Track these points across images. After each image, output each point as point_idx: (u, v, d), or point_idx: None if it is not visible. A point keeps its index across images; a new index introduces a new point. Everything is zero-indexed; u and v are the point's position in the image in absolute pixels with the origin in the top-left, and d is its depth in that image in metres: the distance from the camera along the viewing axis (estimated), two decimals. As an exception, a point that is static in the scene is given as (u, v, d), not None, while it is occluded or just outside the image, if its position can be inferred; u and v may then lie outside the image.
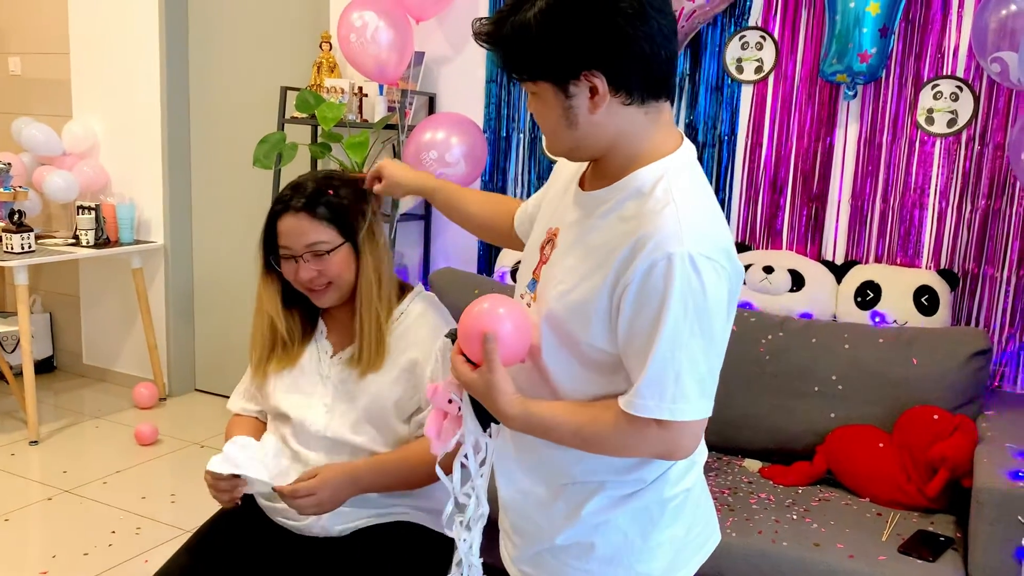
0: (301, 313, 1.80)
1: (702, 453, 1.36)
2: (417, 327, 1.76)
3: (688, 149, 1.23)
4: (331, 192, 1.71)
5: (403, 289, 1.83)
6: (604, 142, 1.19)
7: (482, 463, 1.30)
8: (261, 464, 1.63)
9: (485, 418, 1.26)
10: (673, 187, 1.16)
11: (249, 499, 1.79)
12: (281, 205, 1.71)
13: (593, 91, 1.14)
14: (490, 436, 1.29)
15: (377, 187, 1.75)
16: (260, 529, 1.77)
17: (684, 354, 1.11)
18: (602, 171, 1.23)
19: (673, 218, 1.12)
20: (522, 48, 1.15)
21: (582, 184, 1.28)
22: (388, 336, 1.73)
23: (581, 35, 1.11)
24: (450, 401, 1.28)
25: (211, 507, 1.83)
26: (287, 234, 1.70)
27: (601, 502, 1.27)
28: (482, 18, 1.21)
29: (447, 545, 1.79)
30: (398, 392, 1.73)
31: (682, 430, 1.16)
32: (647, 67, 1.15)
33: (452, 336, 1.27)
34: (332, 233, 1.70)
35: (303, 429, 1.74)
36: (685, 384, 1.12)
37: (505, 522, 1.42)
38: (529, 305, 1.28)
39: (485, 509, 1.33)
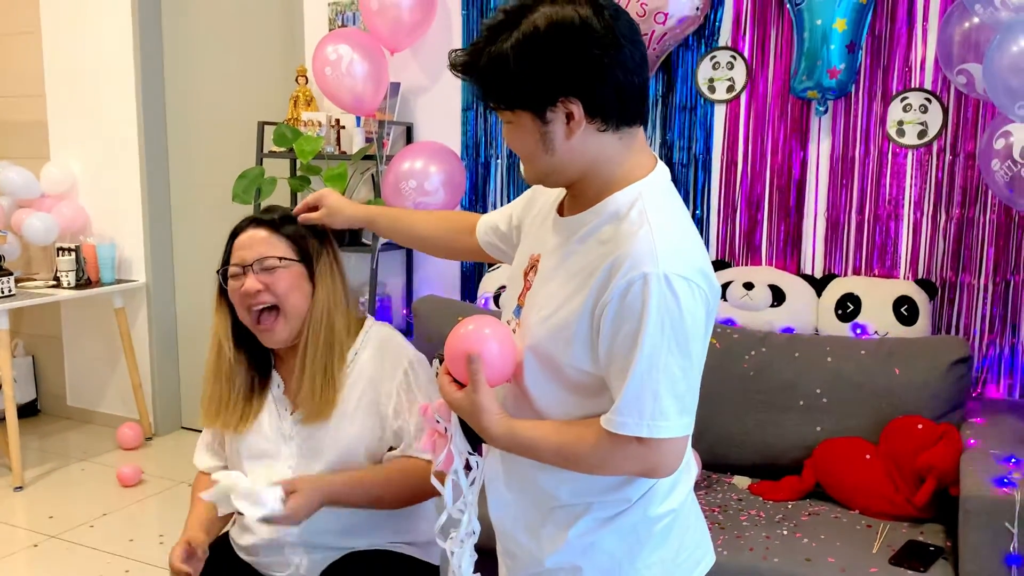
0: (251, 360, 1.72)
1: (690, 473, 1.35)
2: (374, 366, 1.70)
3: (662, 172, 1.25)
4: (289, 216, 1.71)
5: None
6: (579, 167, 1.20)
7: (472, 482, 1.32)
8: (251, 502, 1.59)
9: (475, 438, 1.28)
10: (648, 208, 1.18)
11: (226, 544, 1.78)
12: (240, 226, 1.70)
13: (569, 117, 1.16)
14: (480, 455, 1.31)
15: (314, 216, 1.69)
16: (238, 572, 1.75)
17: (662, 373, 1.13)
18: (579, 197, 1.25)
19: (647, 239, 1.14)
20: (500, 78, 1.16)
21: (560, 211, 1.30)
22: (340, 382, 1.65)
23: (557, 64, 1.14)
24: (437, 421, 1.30)
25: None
26: (242, 247, 1.65)
27: (587, 524, 1.27)
28: (458, 49, 1.22)
29: (431, 573, 1.79)
30: (367, 438, 1.68)
31: (663, 447, 1.16)
32: (621, 94, 1.17)
33: (441, 358, 1.29)
34: (288, 250, 1.66)
35: None
36: (663, 402, 1.13)
37: (499, 546, 1.43)
38: (515, 331, 1.29)
39: (476, 527, 1.34)
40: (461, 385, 1.24)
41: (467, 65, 1.20)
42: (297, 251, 1.67)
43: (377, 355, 1.71)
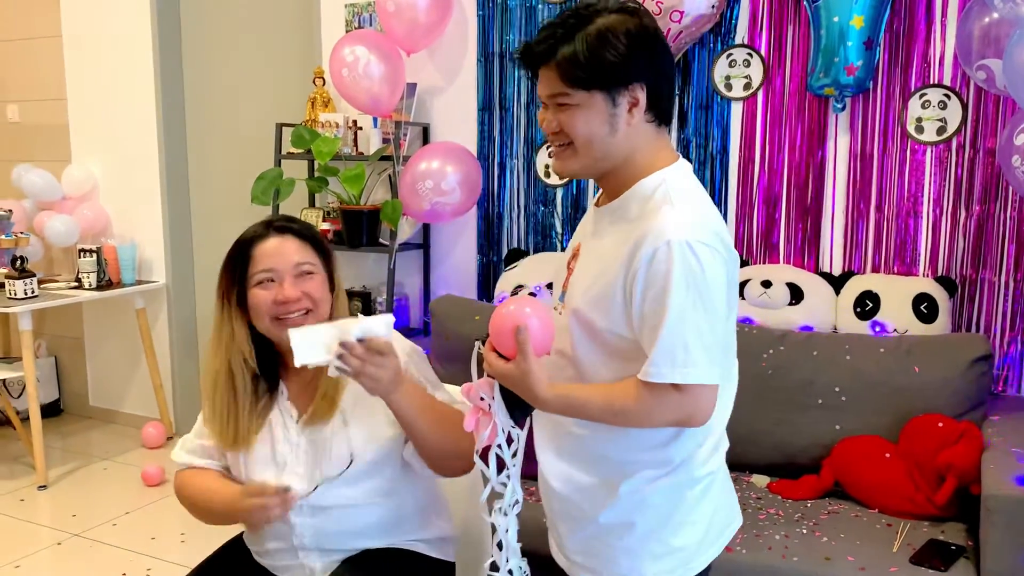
0: (261, 370, 1.70)
1: (724, 441, 1.49)
2: None
3: (684, 163, 1.42)
4: (298, 220, 1.72)
5: None
6: (624, 153, 1.36)
7: (514, 454, 1.41)
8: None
9: (515, 412, 1.38)
10: (671, 190, 1.34)
11: (240, 545, 1.79)
12: (256, 234, 1.66)
13: (634, 103, 1.33)
14: (520, 428, 1.40)
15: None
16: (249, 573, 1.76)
17: (689, 326, 1.26)
18: (611, 187, 1.41)
19: (670, 213, 1.30)
20: (583, 59, 1.30)
21: (597, 203, 1.47)
22: (342, 382, 1.64)
23: (635, 52, 1.31)
24: (481, 399, 1.38)
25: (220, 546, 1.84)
26: (271, 255, 1.64)
27: (637, 482, 1.39)
28: (528, 43, 1.37)
29: (447, 572, 1.79)
30: (370, 434, 1.66)
31: (695, 394, 1.29)
32: (671, 88, 1.37)
33: (484, 339, 1.38)
34: (315, 258, 1.67)
35: None
36: (693, 352, 1.27)
37: (549, 512, 1.53)
38: (560, 314, 1.43)
39: (520, 495, 1.43)
40: (506, 360, 1.33)
41: (545, 52, 1.33)
42: (323, 258, 1.69)
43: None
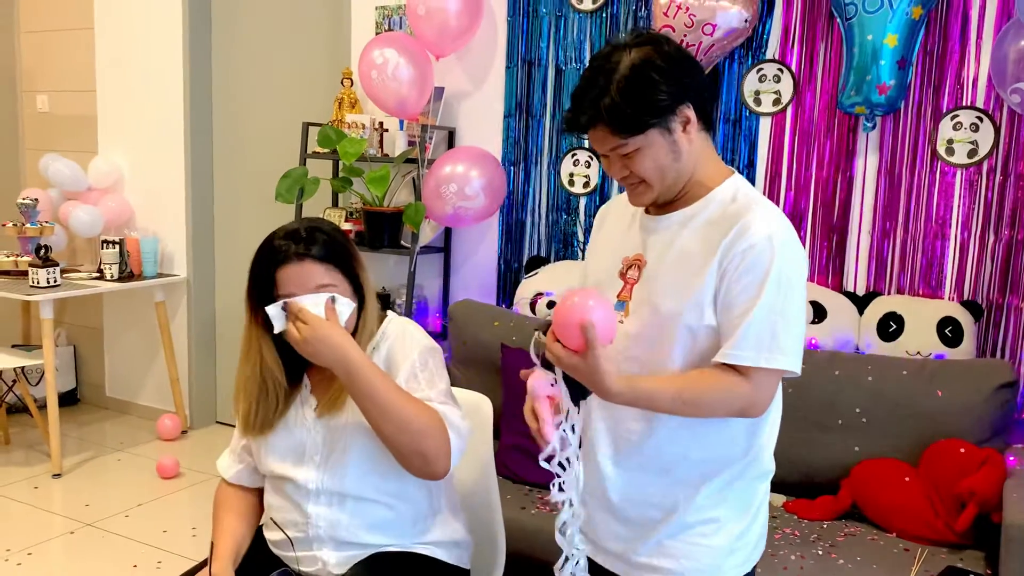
0: (287, 367, 1.73)
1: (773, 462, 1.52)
2: (389, 357, 1.71)
3: (738, 173, 1.49)
4: (326, 232, 1.68)
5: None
6: (691, 170, 1.41)
7: (573, 431, 1.42)
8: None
9: (575, 396, 1.39)
10: (750, 195, 1.42)
11: (259, 536, 1.80)
12: (279, 256, 1.64)
13: (686, 122, 1.38)
14: (578, 411, 1.40)
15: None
16: (269, 565, 1.77)
17: (779, 316, 1.33)
18: (677, 199, 1.45)
19: (761, 213, 1.37)
20: (629, 106, 1.34)
21: (649, 213, 1.49)
22: None
23: (673, 77, 1.35)
24: (553, 384, 1.39)
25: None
26: (293, 280, 1.63)
27: (719, 479, 1.44)
28: (567, 112, 1.40)
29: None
30: None
31: (766, 384, 1.35)
32: (711, 94, 1.44)
33: (543, 328, 1.38)
34: (336, 274, 1.66)
35: (302, 488, 1.71)
36: (781, 338, 1.33)
37: (604, 523, 1.52)
38: (622, 322, 1.44)
39: (580, 472, 1.42)
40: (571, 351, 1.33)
41: (592, 116, 1.36)
42: (342, 272, 1.67)
43: (392, 347, 1.73)
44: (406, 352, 1.71)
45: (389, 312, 1.81)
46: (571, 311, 1.33)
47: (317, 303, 1.60)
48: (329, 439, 1.70)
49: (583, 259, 2.92)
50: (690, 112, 1.37)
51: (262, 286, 1.67)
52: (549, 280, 3.15)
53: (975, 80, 2.67)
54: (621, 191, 1.78)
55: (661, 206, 1.47)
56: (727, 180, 1.44)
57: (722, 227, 1.38)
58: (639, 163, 1.38)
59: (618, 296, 1.48)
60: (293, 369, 1.74)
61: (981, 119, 2.67)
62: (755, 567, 1.52)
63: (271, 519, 1.79)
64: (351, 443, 1.68)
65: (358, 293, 1.70)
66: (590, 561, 1.54)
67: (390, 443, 1.62)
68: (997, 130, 2.65)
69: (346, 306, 1.64)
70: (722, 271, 1.36)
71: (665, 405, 1.36)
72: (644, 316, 1.43)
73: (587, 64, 1.41)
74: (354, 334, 1.68)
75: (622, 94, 1.33)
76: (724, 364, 1.35)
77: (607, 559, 1.55)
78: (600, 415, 1.51)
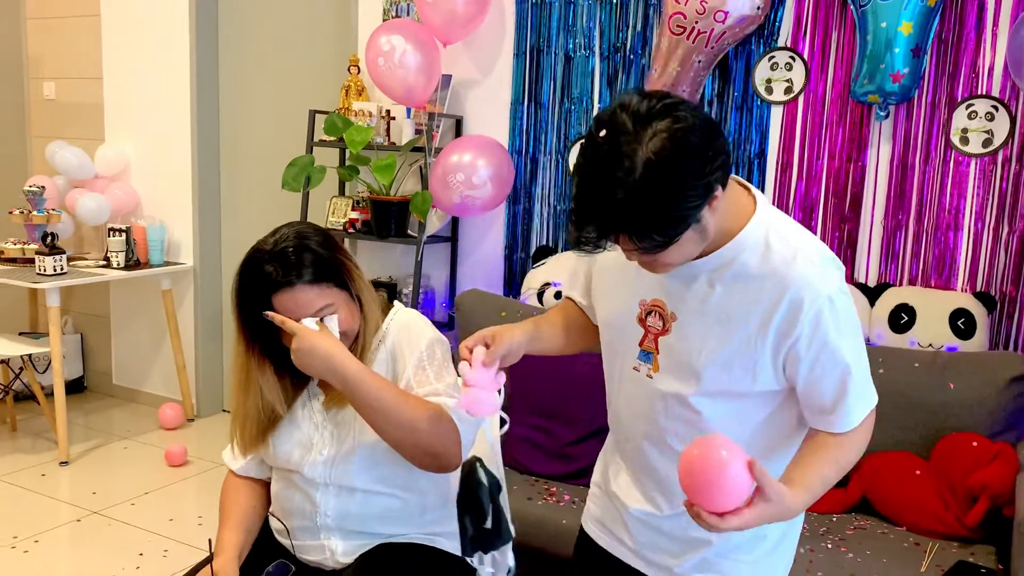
0: (291, 373, 1.69)
1: None
2: (395, 349, 1.69)
3: (762, 197, 1.33)
4: (313, 249, 1.61)
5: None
6: (714, 230, 1.24)
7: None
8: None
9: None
10: (782, 233, 1.28)
11: (265, 525, 1.79)
12: (270, 284, 1.58)
13: (712, 200, 1.17)
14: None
15: (487, 354, 1.41)
16: (274, 554, 1.76)
17: (863, 369, 1.31)
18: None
19: (808, 264, 1.25)
20: (658, 225, 1.14)
21: None
22: (368, 359, 1.66)
23: (695, 167, 1.13)
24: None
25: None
26: (291, 308, 1.58)
27: None
28: (576, 225, 1.16)
29: (467, 570, 1.77)
30: None
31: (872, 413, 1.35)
32: (729, 155, 1.21)
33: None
34: (332, 291, 1.61)
35: (310, 480, 1.69)
36: (869, 379, 1.33)
37: (655, 537, 1.47)
38: (650, 377, 1.37)
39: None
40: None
41: (614, 232, 1.15)
42: (336, 286, 1.63)
43: (398, 340, 1.70)
44: (413, 344, 1.69)
45: (396, 303, 1.79)
46: (711, 463, 1.13)
47: (308, 323, 1.57)
48: (337, 433, 1.68)
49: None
50: (718, 191, 1.17)
51: (254, 309, 1.61)
52: (557, 270, 3.13)
53: (991, 68, 2.63)
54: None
55: None
56: (752, 220, 1.27)
57: (766, 291, 1.25)
58: (671, 258, 1.23)
59: (641, 345, 1.38)
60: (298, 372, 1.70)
61: (997, 108, 2.63)
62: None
63: (272, 512, 1.78)
64: (359, 437, 1.66)
65: (356, 298, 1.66)
66: (620, 562, 1.52)
67: (398, 446, 1.59)
68: (1013, 119, 2.61)
69: (335, 323, 1.59)
70: (788, 344, 1.26)
71: (832, 481, 1.31)
72: (679, 377, 1.34)
73: (586, 154, 1.14)
74: (356, 337, 1.66)
75: (645, 208, 1.11)
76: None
77: (645, 566, 1.50)
78: (643, 447, 1.43)
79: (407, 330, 1.71)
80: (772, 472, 1.21)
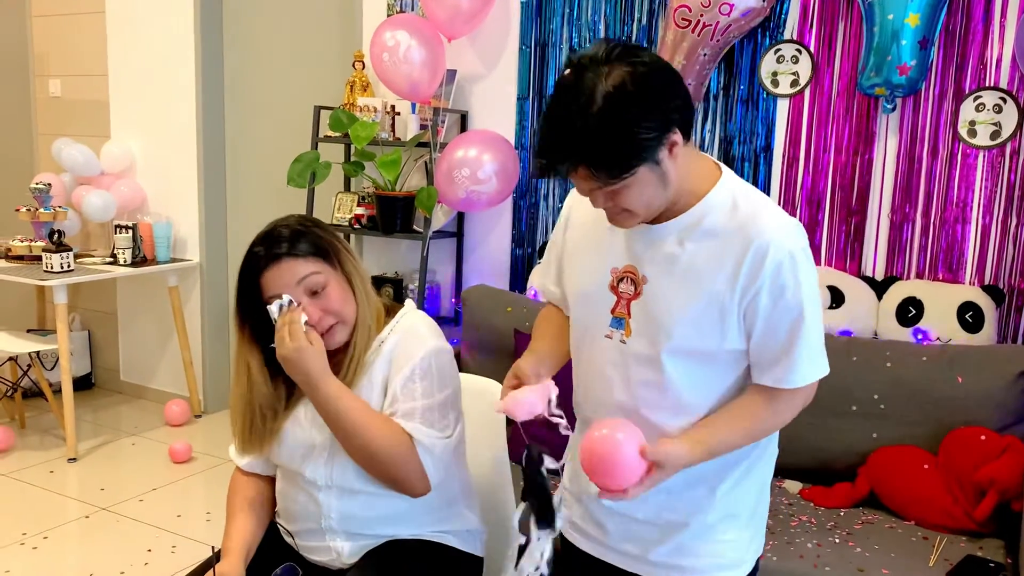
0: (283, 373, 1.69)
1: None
2: (394, 353, 1.67)
3: (729, 170, 1.39)
4: (306, 229, 1.64)
5: (388, 311, 1.75)
6: (678, 185, 1.30)
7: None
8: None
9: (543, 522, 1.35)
10: (748, 194, 1.34)
11: (272, 523, 1.79)
12: (259, 262, 1.62)
13: (672, 147, 1.24)
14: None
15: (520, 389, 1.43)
16: (285, 560, 1.75)
17: (817, 324, 1.33)
18: (667, 211, 1.33)
19: (773, 218, 1.30)
20: (612, 153, 1.20)
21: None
22: (364, 368, 1.66)
23: (654, 102, 1.20)
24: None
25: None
26: (276, 282, 1.61)
27: (735, 476, 1.42)
28: (541, 158, 1.24)
29: (475, 567, 1.77)
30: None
31: (814, 384, 1.37)
32: (692, 104, 1.30)
33: (536, 453, 1.30)
34: (319, 263, 1.62)
35: (313, 482, 1.69)
36: (822, 345, 1.35)
37: (627, 525, 1.47)
38: (624, 342, 1.38)
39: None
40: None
41: (572, 162, 1.22)
42: (324, 261, 1.63)
43: (399, 344, 1.68)
44: (409, 353, 1.66)
45: (408, 302, 1.77)
46: (607, 447, 1.24)
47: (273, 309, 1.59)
48: (333, 437, 1.66)
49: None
50: (676, 136, 1.23)
51: (249, 297, 1.65)
52: (563, 265, 3.12)
53: (999, 60, 2.61)
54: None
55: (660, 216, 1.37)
56: (718, 182, 1.34)
57: (734, 245, 1.29)
58: (626, 198, 1.26)
59: (613, 312, 1.39)
60: None
61: (1005, 100, 2.61)
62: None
63: (277, 513, 1.78)
64: None
65: (350, 281, 1.66)
66: (594, 559, 1.52)
67: (365, 469, 1.62)
68: (1021, 111, 2.60)
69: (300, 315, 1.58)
70: (749, 296, 1.29)
71: (740, 443, 1.37)
72: (651, 338, 1.36)
73: (554, 92, 1.24)
74: (353, 330, 1.65)
75: (601, 136, 1.18)
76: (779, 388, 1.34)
77: (621, 559, 1.50)
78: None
79: (409, 336, 1.69)
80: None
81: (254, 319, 1.66)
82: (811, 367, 1.33)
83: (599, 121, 1.18)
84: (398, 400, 1.64)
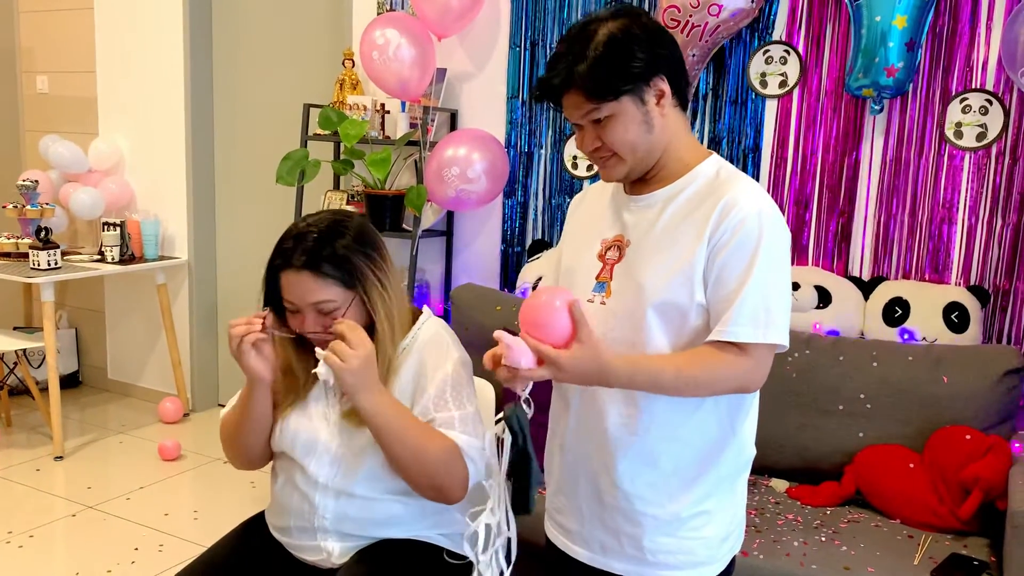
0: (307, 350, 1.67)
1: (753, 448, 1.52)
2: (419, 363, 1.68)
3: (717, 154, 1.48)
4: (336, 242, 1.61)
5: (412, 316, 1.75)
6: (663, 145, 1.41)
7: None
8: None
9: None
10: (734, 172, 1.42)
11: (260, 523, 1.79)
12: (282, 259, 1.61)
13: (660, 95, 1.37)
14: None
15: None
16: (274, 558, 1.75)
17: (772, 289, 1.34)
18: (656, 176, 1.44)
19: (747, 187, 1.37)
20: (604, 69, 1.33)
21: (627, 191, 1.48)
22: (383, 376, 1.64)
23: (649, 48, 1.35)
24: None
25: (233, 525, 1.84)
26: (290, 290, 1.61)
27: (712, 469, 1.43)
28: (542, 78, 1.39)
29: (466, 567, 1.77)
30: None
31: (763, 357, 1.35)
32: (686, 73, 1.43)
33: (511, 331, 1.33)
34: (338, 290, 1.60)
35: (311, 479, 1.68)
36: (774, 313, 1.34)
37: (601, 517, 1.49)
38: (604, 303, 1.43)
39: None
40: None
41: (566, 80, 1.35)
42: (344, 285, 1.61)
43: (426, 355, 1.68)
44: (438, 362, 1.67)
45: (425, 308, 1.77)
46: (545, 303, 1.31)
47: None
48: (347, 442, 1.67)
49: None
50: (664, 85, 1.37)
51: (271, 286, 1.67)
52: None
53: (985, 62, 2.63)
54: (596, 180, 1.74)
55: (640, 184, 1.46)
56: (708, 158, 1.44)
57: (708, 202, 1.37)
58: (611, 132, 1.37)
59: (597, 278, 1.46)
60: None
61: (991, 102, 2.63)
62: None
63: (268, 510, 1.78)
64: (368, 450, 1.65)
65: (370, 309, 1.64)
66: (567, 556, 1.54)
67: (404, 474, 1.61)
68: (1007, 113, 2.62)
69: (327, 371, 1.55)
70: (712, 246, 1.34)
71: (667, 383, 1.33)
72: (628, 295, 1.41)
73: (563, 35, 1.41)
74: (376, 342, 1.63)
75: (597, 60, 1.33)
76: (720, 341, 1.33)
77: (594, 557, 1.51)
78: (583, 411, 1.48)
79: (435, 346, 1.69)
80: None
81: (275, 303, 1.67)
82: (753, 327, 1.31)
83: (596, 49, 1.33)
84: (430, 411, 1.64)
